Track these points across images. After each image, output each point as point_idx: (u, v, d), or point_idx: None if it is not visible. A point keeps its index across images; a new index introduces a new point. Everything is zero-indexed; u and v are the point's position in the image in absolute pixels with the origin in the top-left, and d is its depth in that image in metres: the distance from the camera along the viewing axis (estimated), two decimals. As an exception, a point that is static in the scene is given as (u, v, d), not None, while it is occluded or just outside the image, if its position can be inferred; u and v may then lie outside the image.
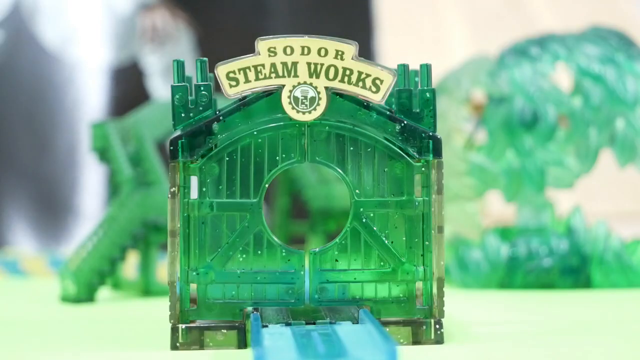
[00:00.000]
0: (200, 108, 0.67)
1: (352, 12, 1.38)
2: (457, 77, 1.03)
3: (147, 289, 0.97)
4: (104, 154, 0.98)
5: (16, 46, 1.29)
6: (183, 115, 0.67)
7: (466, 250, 0.99)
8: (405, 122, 0.67)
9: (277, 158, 0.67)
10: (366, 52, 1.35)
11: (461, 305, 0.85)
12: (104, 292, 0.97)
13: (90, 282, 0.93)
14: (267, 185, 0.67)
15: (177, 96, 0.67)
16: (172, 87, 0.67)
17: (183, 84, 0.67)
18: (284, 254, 0.67)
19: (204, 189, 0.67)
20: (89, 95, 1.30)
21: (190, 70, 0.68)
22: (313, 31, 0.68)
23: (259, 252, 0.67)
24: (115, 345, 0.69)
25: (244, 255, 0.67)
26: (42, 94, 1.29)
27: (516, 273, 0.97)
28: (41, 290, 1.01)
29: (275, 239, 0.67)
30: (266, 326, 0.64)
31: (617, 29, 1.05)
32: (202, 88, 0.67)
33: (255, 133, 0.67)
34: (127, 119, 1.02)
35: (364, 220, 0.67)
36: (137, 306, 0.91)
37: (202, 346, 0.66)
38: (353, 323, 0.65)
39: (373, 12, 1.38)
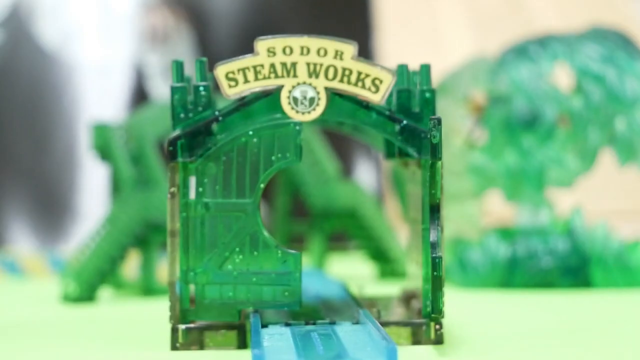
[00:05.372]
0: (200, 108, 0.67)
1: (352, 12, 1.37)
2: (457, 77, 1.03)
3: (147, 289, 0.97)
4: (104, 153, 0.98)
5: (15, 46, 1.29)
6: (182, 115, 0.66)
7: (466, 250, 0.99)
8: (404, 122, 0.67)
9: (273, 158, 0.67)
10: (366, 52, 1.35)
11: (461, 305, 0.85)
12: (105, 292, 0.97)
13: (91, 281, 0.93)
14: (262, 185, 0.66)
15: (176, 96, 0.66)
16: (172, 87, 0.66)
17: (182, 84, 0.67)
18: (279, 255, 0.67)
19: (200, 189, 0.66)
20: (88, 95, 1.30)
21: (190, 70, 0.67)
22: (313, 31, 0.68)
23: (255, 252, 0.66)
24: (116, 345, 0.69)
25: (241, 256, 0.66)
26: (41, 94, 1.29)
27: (516, 273, 0.97)
28: (41, 290, 1.01)
29: (272, 239, 0.67)
30: (266, 326, 0.64)
31: (617, 29, 1.04)
32: (201, 88, 0.67)
33: (251, 133, 0.66)
34: (128, 119, 1.01)
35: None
36: (138, 306, 0.91)
37: (202, 346, 0.66)
38: (353, 323, 0.65)
39: (373, 12, 1.38)
